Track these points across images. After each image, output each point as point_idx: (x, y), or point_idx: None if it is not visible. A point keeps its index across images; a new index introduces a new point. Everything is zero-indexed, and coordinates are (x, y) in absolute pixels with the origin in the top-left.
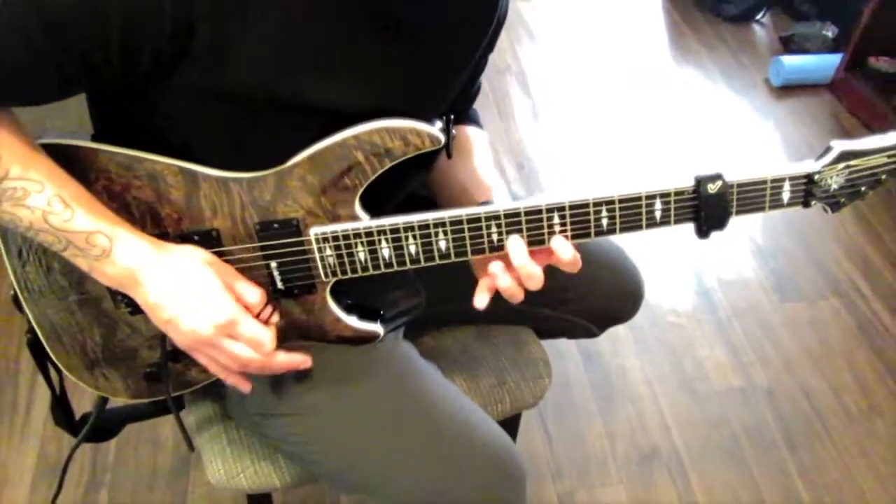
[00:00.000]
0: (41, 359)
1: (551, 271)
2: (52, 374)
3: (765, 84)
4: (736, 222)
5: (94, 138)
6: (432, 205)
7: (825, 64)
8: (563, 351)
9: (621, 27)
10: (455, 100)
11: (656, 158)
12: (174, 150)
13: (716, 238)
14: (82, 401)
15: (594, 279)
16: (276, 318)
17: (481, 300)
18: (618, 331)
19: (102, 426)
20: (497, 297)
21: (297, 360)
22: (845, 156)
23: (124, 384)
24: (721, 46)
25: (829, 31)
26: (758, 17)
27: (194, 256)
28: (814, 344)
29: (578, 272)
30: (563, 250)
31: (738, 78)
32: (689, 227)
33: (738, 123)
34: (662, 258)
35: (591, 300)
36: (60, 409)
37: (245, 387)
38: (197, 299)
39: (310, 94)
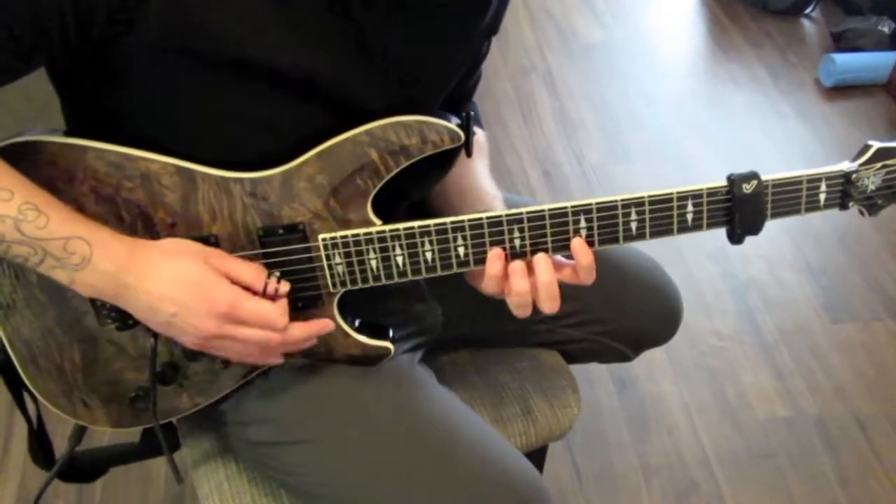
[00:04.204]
0: (14, 383)
1: (576, 288)
2: (28, 402)
3: (815, 84)
4: (784, 236)
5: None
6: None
7: (880, 62)
8: (593, 376)
9: (657, 23)
10: (452, 91)
11: (696, 165)
12: (156, 146)
13: (761, 253)
14: (66, 432)
15: (627, 297)
16: (283, 288)
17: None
18: (653, 354)
19: (84, 466)
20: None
21: (318, 325)
22: (882, 154)
23: (106, 411)
24: (767, 43)
25: (885, 27)
26: (807, 10)
27: (178, 248)
28: (868, 369)
29: (609, 289)
30: (582, 253)
31: (786, 77)
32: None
33: (786, 127)
34: (702, 274)
35: (624, 320)
36: (38, 442)
37: (278, 360)
38: (190, 294)
39: (276, 56)
